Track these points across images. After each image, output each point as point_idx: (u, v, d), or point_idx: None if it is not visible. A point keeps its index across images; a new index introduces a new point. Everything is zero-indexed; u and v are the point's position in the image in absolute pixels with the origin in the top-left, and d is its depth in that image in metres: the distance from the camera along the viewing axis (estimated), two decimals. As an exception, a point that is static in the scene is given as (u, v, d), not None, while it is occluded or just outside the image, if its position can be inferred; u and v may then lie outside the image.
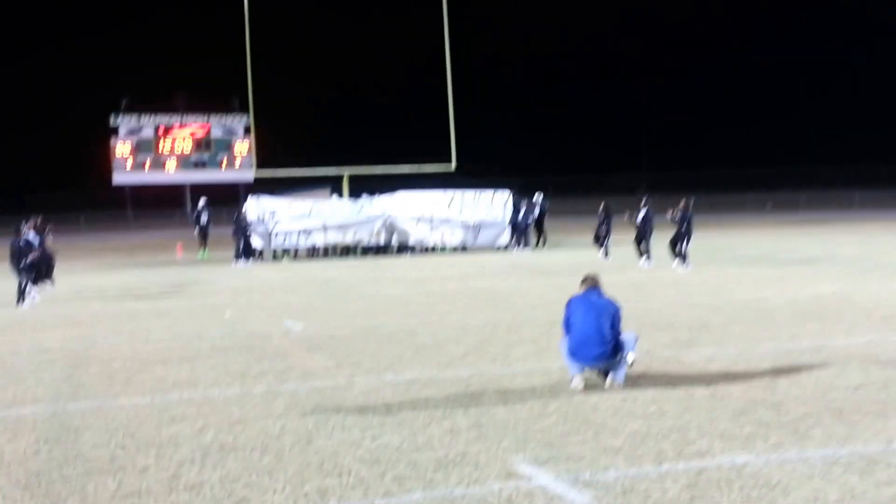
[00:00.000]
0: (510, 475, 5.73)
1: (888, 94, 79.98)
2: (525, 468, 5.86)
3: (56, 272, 19.01)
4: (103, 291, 18.75)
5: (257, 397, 8.01)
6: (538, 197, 28.62)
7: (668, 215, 19.74)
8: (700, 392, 7.88)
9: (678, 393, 7.84)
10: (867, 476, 5.56)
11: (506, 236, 27.42)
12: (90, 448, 6.52)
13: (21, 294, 16.15)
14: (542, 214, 28.62)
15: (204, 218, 28.88)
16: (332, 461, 6.05)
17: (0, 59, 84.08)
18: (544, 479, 5.66)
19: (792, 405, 7.33)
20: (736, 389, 7.93)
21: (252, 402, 7.79)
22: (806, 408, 7.23)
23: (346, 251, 27.00)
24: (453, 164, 31.65)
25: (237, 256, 25.24)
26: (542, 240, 28.61)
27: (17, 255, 16.33)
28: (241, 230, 25.56)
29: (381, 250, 26.94)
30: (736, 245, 27.62)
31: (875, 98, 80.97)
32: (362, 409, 7.47)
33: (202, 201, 29.65)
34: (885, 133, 76.19)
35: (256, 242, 26.14)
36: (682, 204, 19.64)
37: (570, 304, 8.36)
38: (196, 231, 28.90)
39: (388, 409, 7.47)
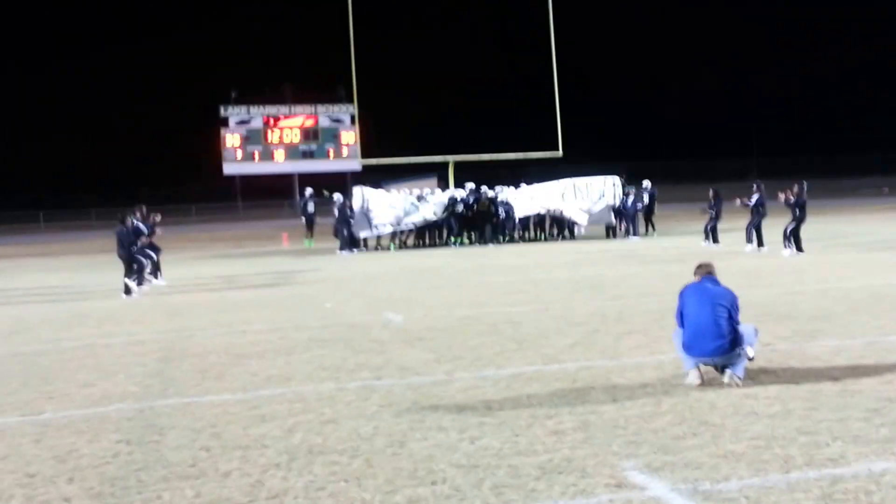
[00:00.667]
0: (620, 485, 5.19)
1: None
2: (637, 476, 5.31)
3: (161, 264, 19.24)
4: (206, 281, 18.97)
5: (351, 394, 7.67)
6: (647, 184, 27.69)
7: (782, 198, 18.71)
8: (828, 388, 7.15)
9: (804, 390, 7.13)
10: None
11: (612, 219, 26.77)
12: (172, 450, 6.25)
13: (133, 281, 16.30)
14: (651, 201, 27.69)
15: (311, 207, 29.21)
16: (426, 466, 5.63)
17: (111, 52, 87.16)
18: (658, 489, 5.10)
19: (935, 404, 6.55)
20: (867, 386, 7.18)
21: (345, 400, 7.46)
22: (951, 407, 6.45)
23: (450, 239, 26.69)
24: (560, 151, 30.96)
25: (342, 247, 25.27)
26: (650, 227, 27.70)
27: (126, 242, 16.43)
28: (345, 220, 25.53)
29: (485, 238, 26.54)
30: (852, 230, 26.08)
31: None
32: (461, 408, 7.03)
33: (308, 191, 30.04)
34: None
35: (363, 232, 26.00)
36: (795, 188, 18.59)
37: (683, 293, 7.73)
38: (303, 220, 29.33)
39: (489, 407, 7.02)
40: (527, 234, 27.98)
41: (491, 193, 27.25)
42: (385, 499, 5.12)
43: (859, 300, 11.88)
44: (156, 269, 18.24)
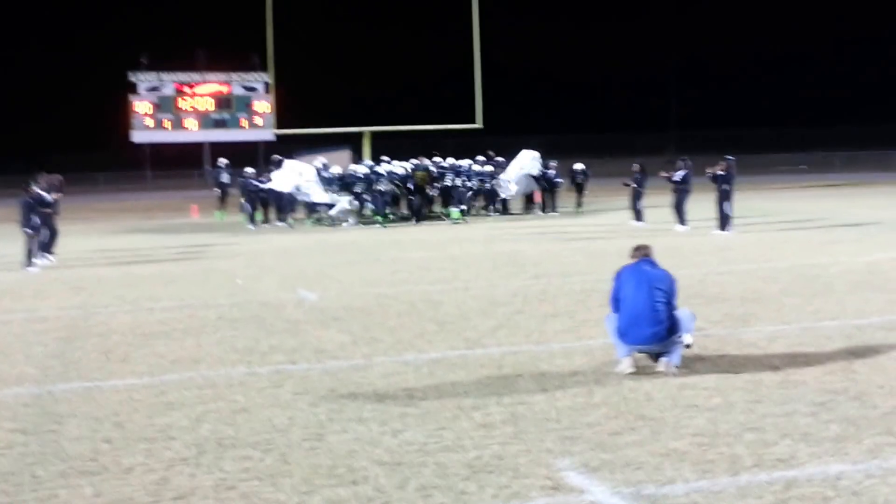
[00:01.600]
0: (557, 487, 4.76)
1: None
2: (574, 477, 4.89)
3: (59, 237, 18.10)
4: (112, 254, 17.93)
5: (264, 379, 7.07)
6: (579, 166, 27.10)
7: (709, 173, 18.50)
8: (769, 378, 6.86)
9: (743, 380, 6.83)
10: None
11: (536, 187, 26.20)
12: (71, 441, 5.63)
13: (29, 255, 15.24)
14: (584, 181, 26.92)
15: (224, 178, 27.90)
16: (346, 463, 5.11)
17: (14, 11, 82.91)
18: (598, 492, 4.69)
19: (877, 396, 6.31)
20: (809, 375, 6.91)
21: (258, 386, 6.86)
22: (895, 400, 6.21)
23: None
24: (479, 123, 30.53)
25: (251, 221, 24.22)
26: (579, 206, 26.75)
27: (28, 213, 15.34)
28: (253, 192, 24.40)
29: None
30: (776, 208, 26.31)
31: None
32: (381, 397, 6.51)
33: (222, 161, 28.65)
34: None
35: (319, 197, 23.72)
36: (722, 163, 18.40)
37: (619, 275, 7.33)
38: (216, 192, 27.96)
39: (411, 396, 6.51)
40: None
41: (429, 164, 25.40)
42: (302, 500, 4.59)
43: (789, 281, 11.72)
44: (47, 247, 16.87)
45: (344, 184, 23.77)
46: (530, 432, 5.64)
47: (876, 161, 57.71)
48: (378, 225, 22.92)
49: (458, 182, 24.71)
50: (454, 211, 23.87)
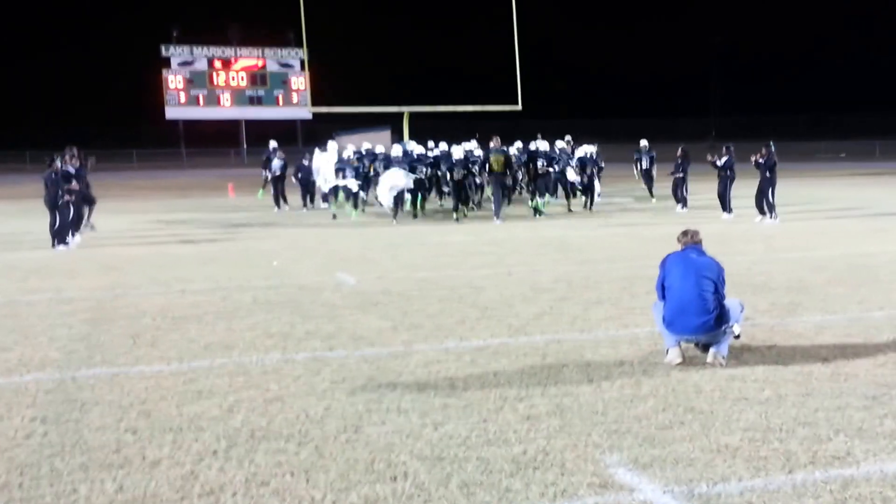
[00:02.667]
0: (605, 485, 4.56)
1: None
2: (623, 474, 4.69)
3: (96, 212, 18.12)
4: (145, 234, 17.95)
5: (299, 367, 6.92)
6: (644, 143, 24.85)
7: (753, 160, 18.13)
8: (819, 370, 6.61)
9: (793, 372, 6.59)
10: None
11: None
12: (94, 431, 5.46)
13: (57, 234, 15.13)
14: (651, 165, 24.55)
15: (276, 166, 23.94)
16: (385, 458, 4.94)
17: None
18: (649, 490, 4.48)
19: (934, 391, 6.05)
20: (860, 368, 6.66)
21: (293, 374, 6.71)
22: (950, 395, 5.95)
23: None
24: (519, 104, 30.14)
25: (305, 204, 23.50)
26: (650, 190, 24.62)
27: (53, 190, 15.04)
28: (306, 175, 23.30)
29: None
30: (818, 196, 25.77)
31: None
32: (422, 386, 6.34)
33: (272, 145, 25.37)
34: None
35: (352, 184, 21.11)
36: (763, 150, 17.97)
37: (665, 262, 7.08)
38: (265, 174, 24.74)
39: (453, 386, 6.33)
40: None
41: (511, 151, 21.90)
42: (338, 497, 4.42)
43: (835, 271, 11.43)
44: (76, 224, 16.65)
45: (410, 168, 20.20)
46: (576, 425, 5.45)
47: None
48: (454, 219, 19.39)
49: (551, 169, 21.35)
50: (540, 202, 20.62)
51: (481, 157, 21.41)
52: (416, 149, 23.68)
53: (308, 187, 23.56)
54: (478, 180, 21.89)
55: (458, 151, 20.89)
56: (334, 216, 20.49)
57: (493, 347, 7.47)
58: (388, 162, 20.95)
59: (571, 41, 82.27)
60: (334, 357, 7.23)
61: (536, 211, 20.31)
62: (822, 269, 11.55)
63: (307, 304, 9.56)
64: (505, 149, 20.49)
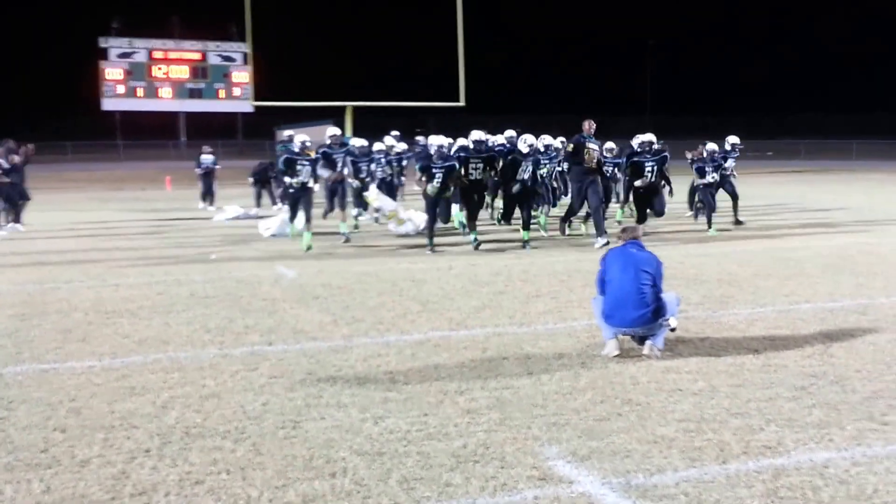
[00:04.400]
0: (545, 477, 4.58)
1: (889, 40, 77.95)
2: (562, 467, 4.72)
3: (27, 206, 17.64)
4: (78, 227, 17.53)
5: (237, 362, 6.82)
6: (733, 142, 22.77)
7: (689, 158, 18.42)
8: (750, 362, 6.76)
9: (726, 363, 6.72)
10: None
11: None
12: (21, 430, 5.29)
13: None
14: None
15: (206, 161, 22.57)
16: (324, 453, 4.89)
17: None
18: (588, 483, 4.52)
19: (856, 381, 6.24)
20: (789, 359, 6.83)
21: (230, 369, 6.61)
22: (873, 385, 6.14)
23: None
24: (462, 101, 30.16)
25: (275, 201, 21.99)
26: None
27: None
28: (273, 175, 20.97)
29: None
30: (746, 193, 26.24)
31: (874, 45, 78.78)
32: (362, 380, 6.30)
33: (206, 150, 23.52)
34: (884, 80, 74.54)
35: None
36: (699, 149, 18.27)
37: (606, 258, 7.17)
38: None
39: (393, 380, 6.31)
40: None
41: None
42: (275, 495, 4.36)
43: (763, 264, 11.69)
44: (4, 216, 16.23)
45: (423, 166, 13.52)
46: (516, 418, 5.47)
47: (838, 150, 59.20)
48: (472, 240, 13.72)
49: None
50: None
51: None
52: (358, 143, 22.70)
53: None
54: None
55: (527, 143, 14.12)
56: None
57: (434, 341, 7.47)
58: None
59: (516, 36, 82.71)
60: (273, 352, 7.14)
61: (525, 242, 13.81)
62: (749, 263, 11.81)
63: (246, 298, 9.44)
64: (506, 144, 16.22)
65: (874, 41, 78.27)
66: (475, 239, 13.54)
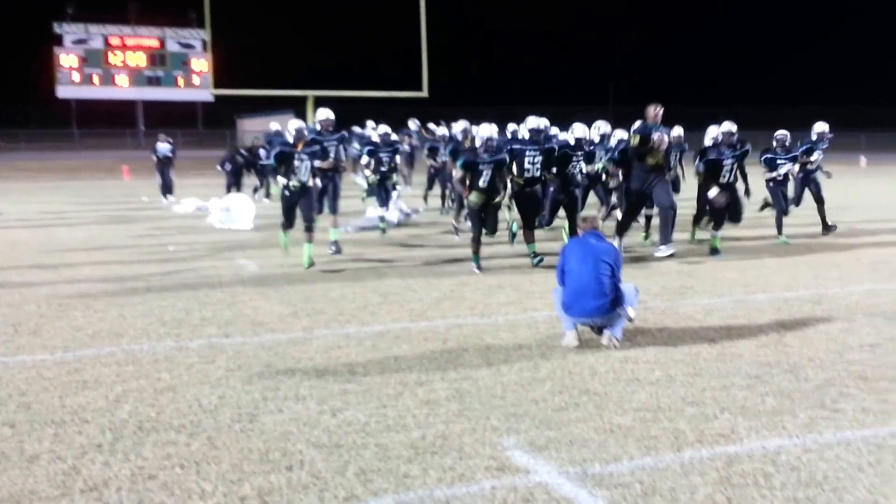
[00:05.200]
0: (502, 467, 4.59)
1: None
2: (520, 456, 4.73)
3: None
4: (31, 217, 17.22)
5: (194, 355, 6.74)
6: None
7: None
8: (706, 351, 6.84)
9: (682, 353, 6.79)
10: (926, 467, 4.54)
11: None
12: (-30, 427, 5.19)
13: None
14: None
15: (162, 150, 21.45)
16: (281, 446, 4.86)
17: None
18: (545, 472, 4.54)
19: (809, 369, 6.35)
20: (744, 348, 6.94)
21: (186, 362, 6.53)
22: (825, 373, 6.25)
23: None
24: (425, 91, 30.10)
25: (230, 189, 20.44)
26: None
27: None
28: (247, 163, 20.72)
29: None
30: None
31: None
32: (321, 372, 6.27)
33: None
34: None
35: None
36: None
37: (565, 249, 7.20)
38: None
39: (352, 371, 6.28)
40: None
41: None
42: (229, 490, 4.32)
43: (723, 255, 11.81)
44: None
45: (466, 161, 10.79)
46: (475, 409, 5.47)
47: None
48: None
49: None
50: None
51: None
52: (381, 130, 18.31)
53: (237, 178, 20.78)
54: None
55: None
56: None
57: (395, 332, 7.45)
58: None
59: (480, 26, 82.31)
60: (231, 344, 7.08)
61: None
62: (708, 254, 11.92)
63: (205, 290, 9.34)
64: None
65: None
66: (534, 253, 11.00)
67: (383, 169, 14.16)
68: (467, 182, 10.67)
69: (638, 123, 12.05)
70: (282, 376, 6.16)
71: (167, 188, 21.17)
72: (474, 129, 13.61)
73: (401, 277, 10.14)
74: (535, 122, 11.55)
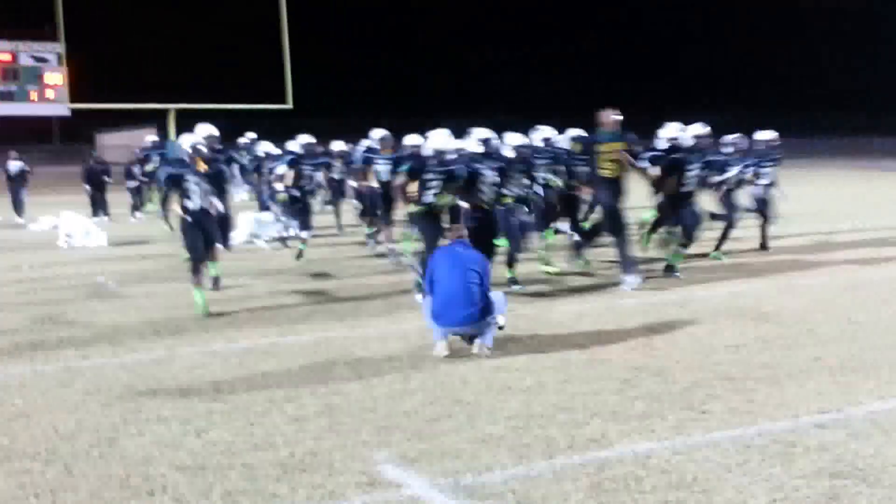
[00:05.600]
0: (373, 482, 4.53)
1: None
2: (391, 471, 4.68)
3: None
4: None
5: (50, 379, 6.40)
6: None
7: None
8: (577, 357, 6.96)
9: (553, 359, 6.89)
10: (789, 464, 4.72)
11: None
12: None
13: None
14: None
15: (13, 168, 20.41)
16: (142, 471, 4.65)
17: None
18: (417, 485, 4.50)
19: (677, 372, 6.52)
20: (614, 353, 7.09)
21: (41, 387, 6.18)
22: (693, 375, 6.43)
23: None
24: (290, 103, 29.70)
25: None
26: None
27: None
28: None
29: None
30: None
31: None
32: (185, 392, 6.05)
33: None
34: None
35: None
36: None
37: (433, 258, 7.20)
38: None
39: (218, 390, 6.09)
40: None
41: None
42: (88, 519, 4.10)
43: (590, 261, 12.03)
44: None
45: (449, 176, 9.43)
46: (346, 424, 5.39)
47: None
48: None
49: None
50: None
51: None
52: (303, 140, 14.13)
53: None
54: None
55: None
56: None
57: (262, 348, 7.27)
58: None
59: (349, 34, 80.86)
60: (89, 366, 6.75)
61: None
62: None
63: (61, 310, 8.89)
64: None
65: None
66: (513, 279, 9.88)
67: (303, 183, 12.63)
68: (409, 192, 9.38)
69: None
70: (143, 398, 5.91)
71: (18, 207, 19.96)
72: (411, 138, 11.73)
73: (269, 291, 9.93)
74: (439, 139, 9.72)
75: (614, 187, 9.96)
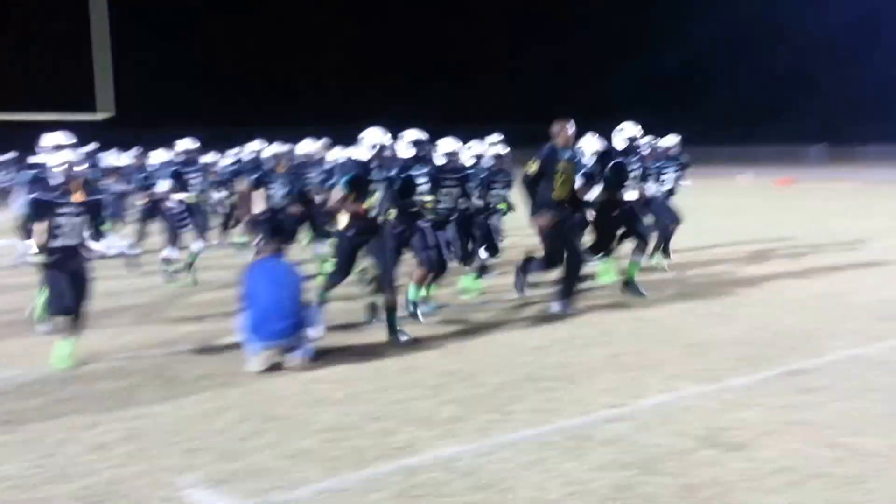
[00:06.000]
0: (177, 509, 4.39)
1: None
2: (197, 495, 4.55)
3: None
4: None
5: None
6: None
7: None
8: (391, 365, 7.03)
9: (369, 369, 6.92)
10: (580, 458, 4.95)
11: None
12: None
13: None
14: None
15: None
16: (-81, 515, 4.31)
17: None
18: (222, 508, 4.40)
19: (487, 374, 6.70)
20: (428, 359, 7.22)
21: None
22: (500, 377, 6.63)
23: None
24: (100, 113, 27.94)
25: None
26: None
27: None
28: None
29: None
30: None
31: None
32: (-28, 425, 5.64)
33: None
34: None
35: None
36: None
37: (248, 271, 7.08)
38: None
39: (9, 421, 5.71)
40: None
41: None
42: None
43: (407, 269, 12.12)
44: None
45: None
46: (151, 449, 5.19)
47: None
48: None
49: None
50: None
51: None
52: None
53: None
54: None
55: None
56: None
57: (63, 373, 6.89)
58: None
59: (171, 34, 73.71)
60: None
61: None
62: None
63: None
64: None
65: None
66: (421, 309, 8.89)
67: (190, 193, 11.45)
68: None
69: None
70: (-78, 435, 5.47)
71: None
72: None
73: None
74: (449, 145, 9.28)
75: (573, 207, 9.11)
